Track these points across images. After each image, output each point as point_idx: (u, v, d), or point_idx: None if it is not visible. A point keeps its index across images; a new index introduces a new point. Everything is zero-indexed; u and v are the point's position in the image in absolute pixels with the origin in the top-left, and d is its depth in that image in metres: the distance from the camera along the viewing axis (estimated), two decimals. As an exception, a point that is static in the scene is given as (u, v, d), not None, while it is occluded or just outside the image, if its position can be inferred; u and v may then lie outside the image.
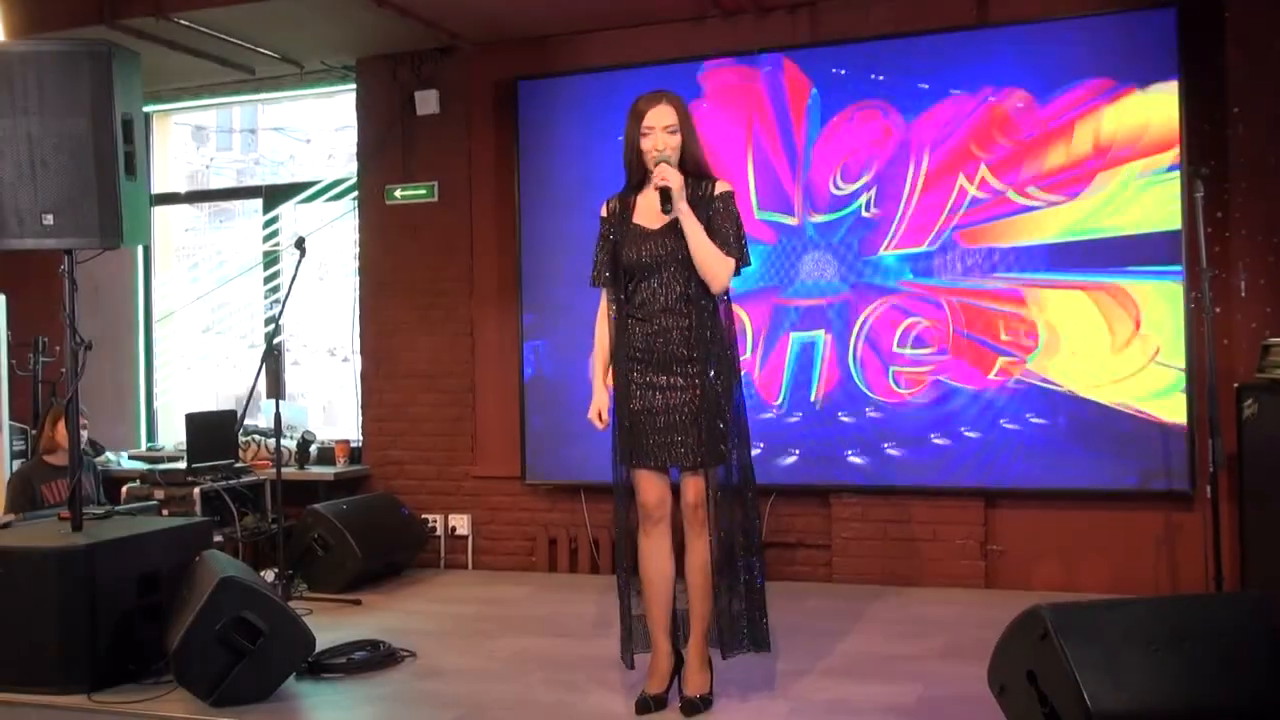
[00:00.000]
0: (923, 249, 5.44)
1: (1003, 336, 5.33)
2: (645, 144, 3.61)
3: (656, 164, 3.54)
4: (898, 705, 3.69)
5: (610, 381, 3.74)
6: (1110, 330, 5.18)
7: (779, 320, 5.67)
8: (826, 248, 5.59)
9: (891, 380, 5.48)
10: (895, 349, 5.48)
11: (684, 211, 3.52)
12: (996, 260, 5.34)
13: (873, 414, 5.52)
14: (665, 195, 3.50)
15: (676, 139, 3.59)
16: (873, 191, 5.52)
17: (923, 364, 5.45)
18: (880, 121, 5.53)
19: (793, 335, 5.64)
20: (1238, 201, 5.10)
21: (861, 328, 5.54)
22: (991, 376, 5.33)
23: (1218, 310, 4.82)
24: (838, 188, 5.58)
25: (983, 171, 5.36)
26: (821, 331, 5.60)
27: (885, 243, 5.50)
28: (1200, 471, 4.89)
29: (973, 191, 5.37)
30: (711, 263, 3.54)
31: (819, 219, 5.60)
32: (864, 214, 5.54)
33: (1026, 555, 5.39)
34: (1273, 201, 5.05)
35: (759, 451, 5.53)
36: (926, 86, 5.44)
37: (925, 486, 5.46)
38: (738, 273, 3.66)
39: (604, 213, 3.77)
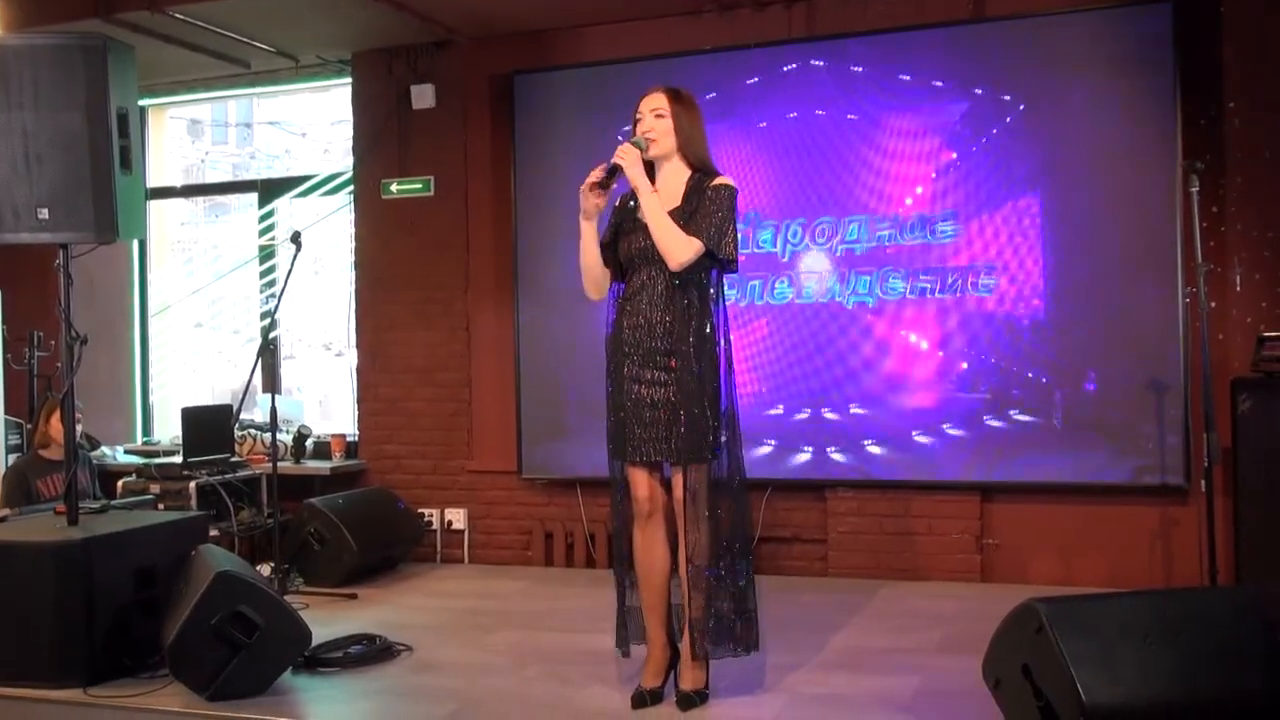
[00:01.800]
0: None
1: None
2: (636, 131, 3.63)
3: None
4: (894, 699, 3.70)
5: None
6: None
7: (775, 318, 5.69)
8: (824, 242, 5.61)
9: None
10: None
11: (637, 186, 3.54)
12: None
13: (868, 409, 5.53)
14: (614, 171, 3.54)
15: (665, 123, 3.60)
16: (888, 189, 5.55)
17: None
18: (879, 116, 5.54)
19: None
20: (1233, 196, 5.11)
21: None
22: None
23: (1213, 305, 4.83)
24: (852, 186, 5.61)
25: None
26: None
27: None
28: (1195, 466, 4.90)
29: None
30: (666, 237, 3.50)
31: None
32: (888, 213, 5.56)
33: (1022, 549, 5.40)
34: (1268, 196, 5.06)
35: (765, 449, 5.57)
36: (910, 79, 5.45)
37: (921, 481, 5.47)
38: (730, 270, 3.65)
39: (618, 202, 3.77)
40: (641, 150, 3.57)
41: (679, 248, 3.50)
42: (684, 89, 3.71)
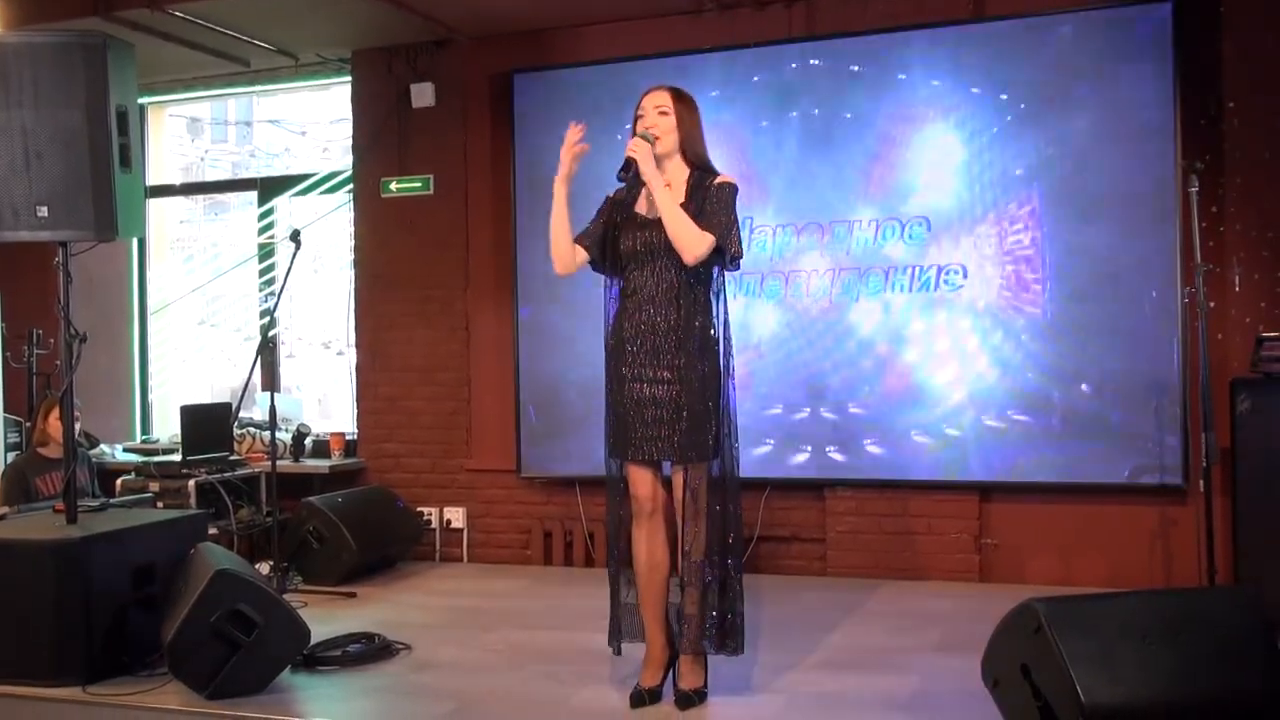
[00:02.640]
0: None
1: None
2: (638, 127, 3.63)
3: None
4: (893, 698, 3.70)
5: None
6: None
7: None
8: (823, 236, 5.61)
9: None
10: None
11: (650, 180, 3.53)
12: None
13: (866, 408, 5.53)
14: (628, 164, 3.53)
15: (668, 120, 3.61)
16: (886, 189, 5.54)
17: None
18: (878, 115, 5.53)
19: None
20: (1233, 196, 5.11)
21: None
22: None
23: (1212, 305, 4.82)
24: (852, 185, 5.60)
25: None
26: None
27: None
28: (1194, 466, 4.90)
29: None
30: (682, 232, 3.49)
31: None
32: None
33: (1021, 549, 5.40)
34: (1268, 196, 5.06)
35: (764, 448, 5.57)
36: (909, 79, 5.45)
37: (920, 480, 5.47)
38: (733, 267, 3.65)
39: (612, 195, 3.77)
40: (649, 144, 3.58)
41: (694, 242, 3.49)
42: (685, 89, 3.72)
